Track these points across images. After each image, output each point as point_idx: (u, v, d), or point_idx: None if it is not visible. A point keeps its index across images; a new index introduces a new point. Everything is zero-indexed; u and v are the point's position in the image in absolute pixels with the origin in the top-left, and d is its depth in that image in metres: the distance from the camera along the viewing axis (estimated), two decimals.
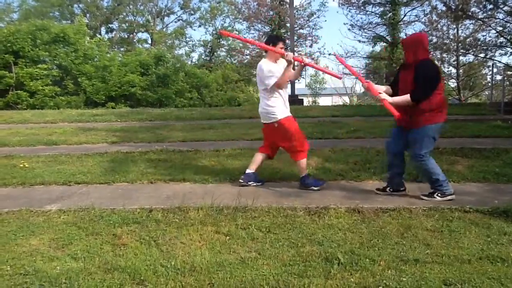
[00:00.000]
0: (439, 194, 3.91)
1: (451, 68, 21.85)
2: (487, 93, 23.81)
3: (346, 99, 32.73)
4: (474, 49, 18.98)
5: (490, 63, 19.61)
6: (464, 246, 2.95)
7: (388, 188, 4.20)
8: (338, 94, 33.10)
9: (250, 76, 27.52)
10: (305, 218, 3.60)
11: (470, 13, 16.09)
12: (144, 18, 34.86)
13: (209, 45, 32.91)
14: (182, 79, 20.60)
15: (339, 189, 4.42)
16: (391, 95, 4.00)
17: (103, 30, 33.94)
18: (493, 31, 17.44)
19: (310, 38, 24.20)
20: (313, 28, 24.47)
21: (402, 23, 20.96)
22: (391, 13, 20.57)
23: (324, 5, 25.37)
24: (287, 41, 22.69)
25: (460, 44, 19.90)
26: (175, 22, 36.30)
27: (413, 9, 20.53)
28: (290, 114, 4.49)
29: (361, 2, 20.43)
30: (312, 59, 24.38)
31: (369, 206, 3.75)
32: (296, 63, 4.49)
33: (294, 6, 20.42)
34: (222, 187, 4.62)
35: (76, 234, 3.35)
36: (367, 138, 7.19)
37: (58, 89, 17.15)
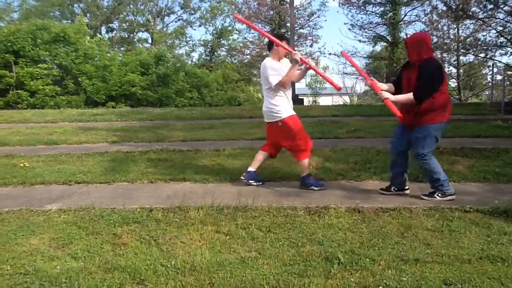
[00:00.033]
0: (439, 194, 3.91)
1: (451, 68, 21.88)
2: (487, 93, 23.83)
3: (347, 99, 32.75)
4: (474, 49, 18.99)
5: (490, 63, 19.65)
6: (464, 246, 2.95)
7: (393, 188, 4.19)
8: (338, 93, 33.10)
9: (251, 75, 27.54)
10: (305, 217, 3.59)
11: (470, 13, 16.09)
12: (144, 17, 34.89)
13: (209, 44, 32.90)
14: (183, 79, 20.60)
15: (339, 189, 4.42)
16: (393, 94, 4.01)
17: (103, 29, 33.96)
18: (494, 31, 17.46)
19: (310, 37, 24.24)
20: (313, 28, 24.52)
21: (402, 23, 20.98)
22: (391, 13, 20.59)
23: (325, 4, 25.46)
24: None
25: (460, 44, 19.92)
26: (176, 21, 36.34)
27: (414, 8, 20.57)
28: (294, 113, 4.48)
29: (361, 2, 20.45)
30: (312, 58, 24.36)
31: (369, 206, 3.75)
32: (301, 66, 4.50)
33: (295, 5, 20.43)
34: (222, 187, 4.62)
35: (76, 234, 3.35)
36: (368, 137, 7.19)
37: (59, 89, 17.16)
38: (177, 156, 6.17)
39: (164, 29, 36.08)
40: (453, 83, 22.34)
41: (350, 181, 4.76)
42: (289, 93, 4.55)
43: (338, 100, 29.49)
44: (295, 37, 20.81)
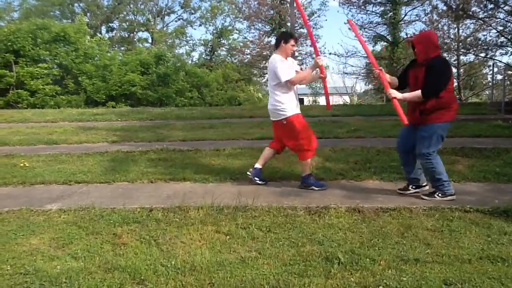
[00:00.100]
0: (439, 194, 3.91)
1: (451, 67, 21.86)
2: (487, 93, 23.82)
3: (347, 99, 32.74)
4: (474, 49, 18.98)
5: (490, 63, 19.64)
6: (464, 245, 2.95)
7: (411, 186, 4.17)
8: (339, 93, 33.09)
9: (251, 75, 27.52)
10: (306, 217, 3.59)
11: (470, 13, 16.08)
12: (144, 17, 34.90)
13: (209, 44, 32.90)
14: (183, 78, 20.62)
15: (339, 189, 4.42)
16: (397, 88, 4.04)
17: (103, 29, 33.98)
18: (494, 31, 17.44)
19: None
20: (313, 28, 24.47)
21: (402, 22, 20.96)
22: (391, 13, 20.57)
23: (325, 4, 25.46)
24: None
25: (460, 44, 19.91)
26: (176, 21, 36.36)
27: (414, 8, 20.55)
28: (299, 112, 4.47)
29: (361, 1, 20.44)
30: (313, 58, 24.35)
31: (369, 206, 3.75)
32: (317, 71, 4.52)
33: (295, 5, 20.40)
34: (222, 187, 4.62)
35: (77, 234, 3.35)
36: (368, 137, 7.19)
37: (59, 88, 17.18)
38: (177, 155, 6.17)
39: (164, 28, 36.10)
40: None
41: (350, 181, 4.75)
42: (295, 91, 4.53)
43: (338, 100, 29.48)
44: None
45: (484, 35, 18.77)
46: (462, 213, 3.55)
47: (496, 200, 3.82)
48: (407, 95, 3.92)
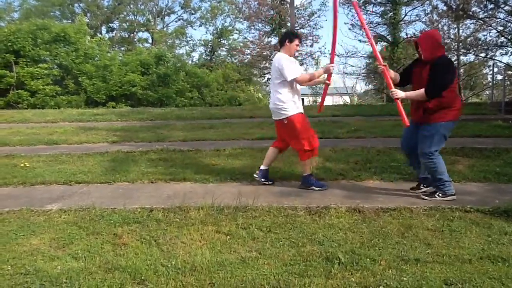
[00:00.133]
0: (440, 194, 3.91)
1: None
2: (487, 93, 23.82)
3: (347, 99, 32.73)
4: (474, 49, 19.00)
5: (490, 63, 19.65)
6: (464, 245, 2.95)
7: (422, 185, 4.17)
8: (339, 93, 33.09)
9: (251, 75, 27.52)
10: (306, 217, 3.59)
11: (471, 13, 16.10)
12: (144, 17, 34.90)
13: (209, 44, 32.92)
14: (183, 79, 20.62)
15: (339, 189, 4.42)
16: (398, 84, 4.08)
17: (103, 29, 33.98)
18: (494, 31, 17.46)
19: (310, 37, 24.21)
20: (313, 28, 24.51)
21: (402, 22, 20.96)
22: (391, 13, 20.57)
23: (325, 4, 25.36)
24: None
25: (461, 44, 19.92)
26: (176, 21, 36.36)
27: (414, 8, 20.55)
28: (301, 112, 4.46)
29: (361, 1, 20.41)
30: (313, 58, 24.42)
31: (369, 206, 3.75)
32: (324, 76, 4.56)
33: (295, 5, 20.40)
34: (222, 187, 4.62)
35: (77, 234, 3.35)
36: (368, 137, 7.19)
37: (59, 89, 17.19)
38: (177, 156, 6.17)
39: (165, 29, 36.11)
40: None
41: (350, 181, 4.75)
42: (298, 91, 4.53)
43: (339, 100, 29.48)
44: None
45: (484, 35, 18.80)
46: (463, 213, 3.55)
47: (497, 200, 3.82)
48: (410, 93, 3.93)
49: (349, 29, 21.86)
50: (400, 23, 20.76)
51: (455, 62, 21.13)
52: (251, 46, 25.82)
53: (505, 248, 2.89)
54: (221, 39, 32.87)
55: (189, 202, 3.96)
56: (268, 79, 27.83)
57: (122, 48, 32.28)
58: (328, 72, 4.49)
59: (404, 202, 3.85)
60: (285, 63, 4.33)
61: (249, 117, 10.69)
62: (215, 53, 33.16)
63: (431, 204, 3.77)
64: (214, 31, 33.36)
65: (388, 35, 21.41)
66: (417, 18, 20.63)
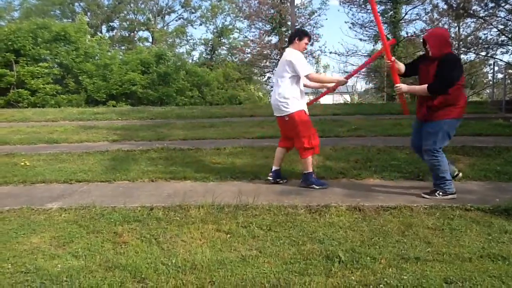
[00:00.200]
0: (440, 193, 3.91)
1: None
2: (488, 92, 23.82)
3: (347, 98, 32.72)
4: (475, 48, 18.99)
5: (491, 62, 19.62)
6: (465, 244, 2.95)
7: None
8: (339, 92, 33.09)
9: (251, 74, 27.51)
10: (306, 216, 3.59)
11: (471, 12, 16.08)
12: (145, 16, 34.88)
13: (210, 43, 32.90)
14: (183, 78, 20.61)
15: (340, 187, 4.42)
16: (404, 75, 4.16)
17: (104, 28, 33.98)
18: (495, 29, 17.45)
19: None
20: (314, 27, 24.48)
21: (403, 21, 20.96)
22: (392, 12, 20.55)
23: (325, 3, 25.48)
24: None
25: (461, 43, 19.90)
26: (176, 20, 36.34)
27: (414, 7, 20.56)
28: (304, 108, 4.44)
29: (362, 0, 20.42)
30: (314, 57, 24.41)
31: (370, 204, 3.75)
32: (332, 84, 4.63)
33: (295, 4, 20.39)
34: (223, 185, 4.62)
35: (77, 232, 3.35)
36: (368, 136, 7.19)
37: (59, 88, 17.20)
38: (177, 154, 6.17)
39: (165, 28, 36.09)
40: None
41: (351, 179, 4.75)
42: (303, 89, 4.53)
43: (339, 99, 29.46)
44: None
45: (484, 34, 18.80)
46: (463, 212, 3.55)
47: (497, 198, 3.82)
48: (414, 87, 3.98)
49: (350, 28, 21.88)
50: (401, 22, 20.76)
51: None
52: (252, 45, 25.81)
53: (505, 246, 2.89)
54: (222, 38, 32.85)
55: (189, 201, 3.96)
56: (269, 78, 27.85)
57: (123, 47, 32.27)
58: (341, 84, 4.61)
59: (404, 200, 3.85)
60: (300, 58, 4.34)
61: (249, 116, 10.68)
62: (216, 52, 33.16)
63: (432, 202, 3.77)
64: (215, 30, 33.36)
65: (388, 33, 21.37)
66: (418, 17, 20.66)
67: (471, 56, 21.27)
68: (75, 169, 5.45)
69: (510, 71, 19.27)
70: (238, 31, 31.73)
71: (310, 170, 4.46)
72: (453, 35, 20.47)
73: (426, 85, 3.81)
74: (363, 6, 20.90)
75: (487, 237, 3.06)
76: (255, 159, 5.77)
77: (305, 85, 4.58)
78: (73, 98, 17.23)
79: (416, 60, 4.27)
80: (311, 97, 5.21)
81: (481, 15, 16.54)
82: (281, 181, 4.66)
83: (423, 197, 3.94)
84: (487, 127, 7.51)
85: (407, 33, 21.47)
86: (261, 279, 2.50)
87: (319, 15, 24.51)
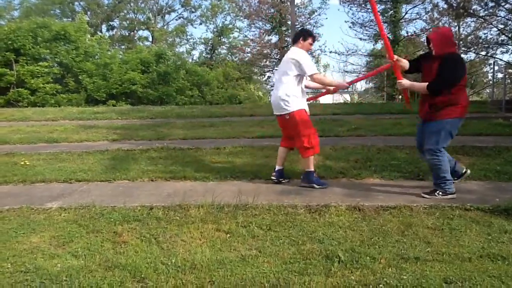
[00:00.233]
0: (440, 192, 3.91)
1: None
2: (488, 91, 23.81)
3: (347, 97, 32.71)
4: (475, 47, 18.97)
5: (491, 61, 19.61)
6: (464, 244, 2.95)
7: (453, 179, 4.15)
8: (339, 92, 33.07)
9: (251, 74, 27.51)
10: (306, 216, 3.59)
11: (471, 11, 16.07)
12: (145, 15, 34.86)
13: (210, 43, 32.89)
14: (183, 77, 20.60)
15: (339, 187, 4.42)
16: (408, 71, 4.19)
17: (104, 27, 33.96)
18: (495, 29, 17.45)
19: None
20: (314, 26, 24.48)
21: (403, 20, 20.95)
22: (392, 11, 20.54)
23: (325, 2, 25.55)
24: (289, 39, 22.60)
25: (461, 42, 19.87)
26: (176, 19, 36.32)
27: (415, 6, 20.54)
28: (304, 108, 4.44)
29: (362, 0, 20.40)
30: (314, 57, 24.40)
31: (369, 204, 3.75)
32: (333, 88, 4.72)
33: (295, 3, 20.41)
34: (222, 185, 4.62)
35: (77, 232, 3.35)
36: (368, 136, 7.19)
37: (59, 87, 17.19)
38: (177, 154, 6.17)
39: (165, 27, 36.08)
40: None
41: (350, 179, 4.75)
42: (303, 88, 4.54)
43: (339, 98, 29.45)
44: None
45: (484, 33, 18.78)
46: (463, 212, 3.55)
47: (497, 198, 3.82)
48: (415, 84, 4.00)
49: (350, 27, 21.87)
50: (401, 21, 20.75)
51: None
52: (252, 44, 25.81)
53: (505, 246, 2.89)
54: (222, 38, 32.84)
55: (189, 200, 3.96)
56: (269, 77, 27.85)
57: (123, 46, 32.26)
58: (341, 88, 4.79)
59: (404, 200, 3.85)
60: (306, 57, 4.37)
61: (249, 115, 10.68)
62: (216, 51, 33.14)
63: (431, 202, 3.77)
64: (215, 29, 33.35)
65: (388, 33, 21.36)
66: (418, 16, 20.63)
67: (471, 55, 21.25)
68: (75, 169, 5.44)
69: (510, 70, 19.25)
70: (238, 30, 31.76)
71: (311, 168, 4.45)
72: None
73: (426, 83, 3.82)
74: (363, 5, 20.88)
75: (487, 237, 3.06)
76: (255, 158, 5.76)
77: (306, 86, 4.59)
78: (73, 97, 17.23)
79: (420, 57, 4.28)
80: (311, 95, 5.21)
81: (481, 14, 16.53)
82: (284, 181, 4.66)
83: (423, 197, 3.94)
84: (487, 126, 7.51)
85: (407, 33, 21.47)
86: (261, 278, 2.51)
87: (319, 15, 24.56)
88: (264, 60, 26.06)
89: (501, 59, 19.13)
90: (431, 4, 19.39)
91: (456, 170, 4.17)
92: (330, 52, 22.86)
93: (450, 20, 19.39)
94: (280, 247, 2.98)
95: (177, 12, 35.88)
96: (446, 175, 3.90)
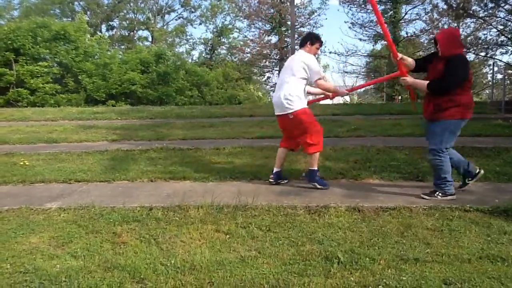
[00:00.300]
0: (440, 194, 3.91)
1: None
2: (487, 92, 23.83)
3: (347, 98, 32.70)
4: (475, 48, 18.98)
5: (491, 62, 19.64)
6: (464, 245, 2.95)
7: (466, 180, 4.17)
8: None
9: (251, 74, 27.53)
10: (305, 216, 3.59)
11: (471, 12, 16.08)
12: (144, 15, 34.86)
13: (209, 43, 32.91)
14: (183, 77, 20.61)
15: (339, 188, 4.42)
16: (414, 70, 4.22)
17: (103, 27, 33.97)
18: (494, 30, 17.45)
19: None
20: (313, 26, 24.51)
21: (403, 21, 20.98)
22: (392, 11, 20.57)
23: (325, 3, 25.54)
24: (288, 40, 22.55)
25: None
26: (176, 19, 36.35)
27: (414, 7, 20.58)
28: (307, 106, 4.46)
29: (362, 0, 20.41)
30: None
31: (369, 205, 3.75)
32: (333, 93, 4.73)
33: (295, 4, 20.41)
34: (222, 186, 4.62)
35: (76, 232, 3.34)
36: (368, 136, 7.19)
37: (59, 87, 17.19)
38: (177, 154, 6.17)
39: (165, 27, 36.09)
40: None
41: (350, 180, 4.75)
42: (305, 89, 4.56)
43: (339, 99, 29.50)
44: (296, 36, 20.77)
45: (484, 34, 18.80)
46: (462, 213, 3.55)
47: (496, 199, 3.82)
48: (417, 81, 4.03)
49: (349, 27, 21.88)
50: (401, 21, 20.77)
51: None
52: (251, 45, 25.83)
53: (505, 247, 2.89)
54: (221, 38, 32.86)
55: (188, 201, 3.95)
56: (268, 77, 27.86)
57: (122, 47, 32.27)
58: (341, 95, 4.90)
59: (403, 201, 3.85)
60: (315, 63, 4.39)
61: (249, 115, 10.68)
62: (215, 51, 33.16)
63: (431, 203, 3.77)
64: (214, 30, 33.37)
65: None
66: (418, 17, 20.67)
67: (471, 56, 21.25)
68: (74, 169, 5.44)
69: (509, 71, 19.29)
70: (237, 30, 31.80)
71: (315, 167, 4.43)
72: None
73: (427, 81, 3.83)
74: (362, 6, 20.89)
75: (486, 238, 3.06)
76: (254, 159, 5.76)
77: (313, 88, 4.66)
78: (73, 97, 17.22)
79: (427, 56, 4.29)
80: (310, 97, 5.20)
81: (480, 15, 16.54)
82: (283, 182, 4.65)
83: (422, 198, 3.94)
84: (487, 127, 7.51)
85: (407, 33, 21.52)
86: (260, 279, 2.50)
87: (318, 15, 24.58)
88: (264, 60, 26.08)
89: (500, 60, 19.19)
90: (430, 5, 19.44)
91: (469, 170, 4.14)
92: (330, 52, 22.86)
93: (450, 21, 19.40)
94: (279, 248, 2.98)
95: (177, 12, 35.96)
96: (447, 176, 3.90)
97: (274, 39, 25.09)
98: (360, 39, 23.11)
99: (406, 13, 20.79)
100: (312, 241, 3.08)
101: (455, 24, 19.59)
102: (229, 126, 8.87)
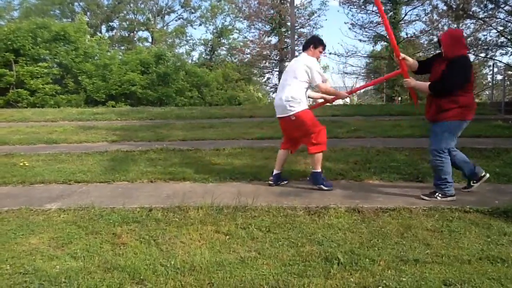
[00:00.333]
0: (440, 194, 3.91)
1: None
2: (487, 93, 23.83)
3: (347, 99, 32.73)
4: (474, 49, 19.00)
5: (490, 63, 19.67)
6: (464, 246, 2.95)
7: (471, 182, 4.16)
8: None
9: (251, 75, 27.53)
10: (305, 217, 3.59)
11: (471, 13, 16.10)
12: (144, 16, 34.88)
13: (209, 44, 32.90)
14: (183, 78, 20.62)
15: (339, 189, 4.42)
16: (416, 71, 4.22)
17: (103, 28, 33.97)
18: (494, 31, 17.46)
19: None
20: (313, 27, 24.54)
21: (403, 22, 20.97)
22: (392, 12, 20.57)
23: (325, 4, 25.50)
24: (288, 40, 22.58)
25: None
26: (176, 20, 36.35)
27: (414, 8, 20.59)
28: (308, 107, 4.47)
29: (361, 1, 20.45)
30: None
31: (369, 206, 3.75)
32: (332, 97, 4.78)
33: (295, 5, 20.43)
34: (222, 187, 4.62)
35: (76, 233, 3.34)
36: (368, 137, 7.19)
37: (59, 88, 17.19)
38: (177, 155, 6.17)
39: (165, 28, 36.09)
40: None
41: (350, 181, 4.75)
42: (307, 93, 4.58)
43: (339, 100, 29.55)
44: (296, 37, 20.80)
45: (484, 35, 18.82)
46: (462, 214, 3.55)
47: (496, 200, 3.82)
48: (419, 82, 4.05)
49: (349, 28, 21.89)
50: (400, 22, 20.77)
51: None
52: (251, 46, 25.86)
53: (504, 248, 2.89)
54: (221, 39, 32.86)
55: (188, 202, 3.95)
56: (268, 78, 27.87)
57: (122, 47, 32.27)
58: (341, 98, 4.94)
59: (403, 202, 3.85)
60: (318, 67, 4.41)
61: (248, 116, 10.69)
62: (215, 52, 33.16)
63: (431, 204, 3.77)
64: (214, 30, 33.37)
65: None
66: (417, 18, 20.67)
67: (471, 57, 21.28)
68: (74, 170, 5.44)
69: (509, 72, 19.31)
70: (237, 31, 31.79)
71: (319, 169, 4.42)
72: None
73: (428, 83, 3.84)
74: (362, 7, 20.91)
75: (486, 239, 3.06)
76: (254, 160, 5.76)
77: (314, 92, 4.71)
78: (73, 98, 17.23)
79: (431, 58, 4.29)
80: (310, 99, 5.23)
81: (480, 16, 16.57)
82: (282, 183, 4.65)
83: (422, 199, 3.94)
84: (486, 128, 7.52)
85: (406, 34, 21.53)
86: (260, 280, 2.50)
87: (318, 16, 24.60)
88: (264, 61, 26.10)
89: (500, 61, 19.21)
90: (430, 6, 19.46)
91: (475, 172, 4.13)
92: (330, 53, 22.84)
93: (450, 22, 19.42)
94: (279, 249, 2.98)
95: (177, 13, 35.96)
96: (447, 177, 3.90)
97: (274, 40, 25.13)
98: (360, 40, 23.22)
99: (406, 14, 20.82)
100: (312, 242, 3.08)
101: (455, 25, 19.61)
102: (229, 127, 8.87)
